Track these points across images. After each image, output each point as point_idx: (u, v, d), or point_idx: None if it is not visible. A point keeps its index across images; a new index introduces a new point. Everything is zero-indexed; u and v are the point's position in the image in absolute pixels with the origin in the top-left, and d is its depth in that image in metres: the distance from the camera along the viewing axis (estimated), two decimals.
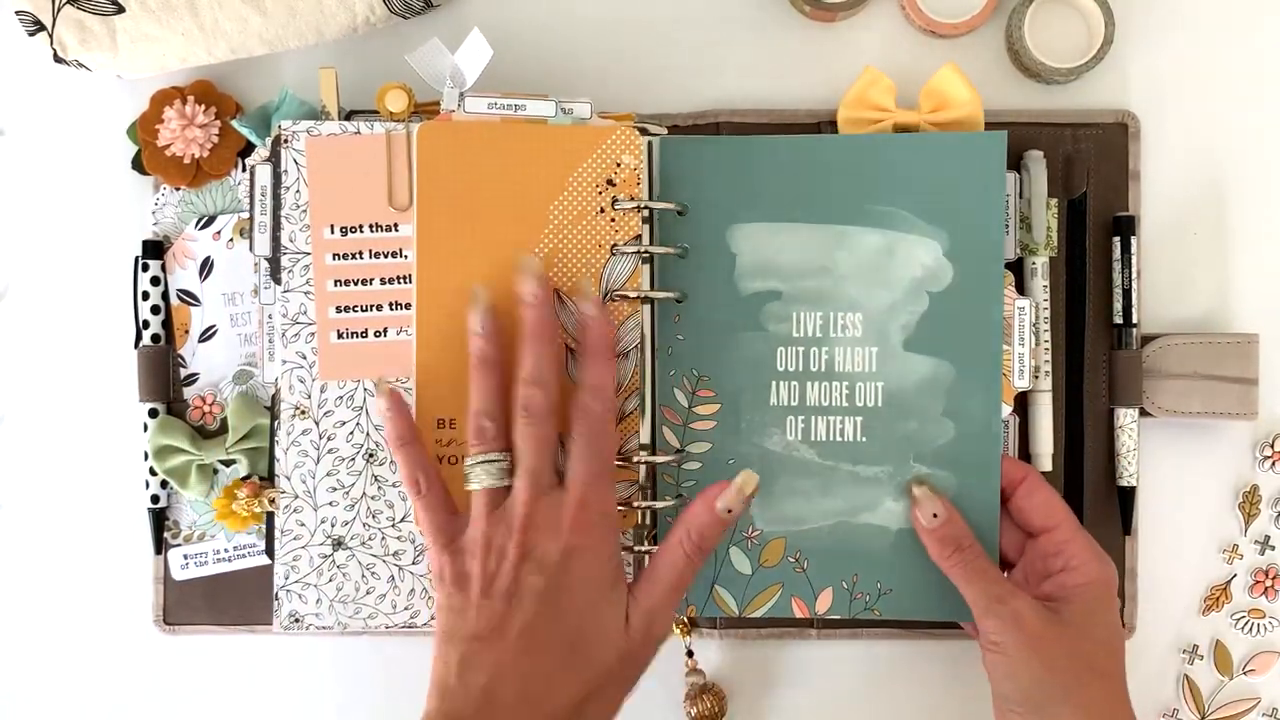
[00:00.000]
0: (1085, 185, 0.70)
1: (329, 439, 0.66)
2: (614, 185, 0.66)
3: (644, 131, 0.67)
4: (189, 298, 0.71)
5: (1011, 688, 0.61)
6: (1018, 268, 0.69)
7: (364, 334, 0.66)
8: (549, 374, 0.61)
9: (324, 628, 0.66)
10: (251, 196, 0.67)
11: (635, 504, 0.66)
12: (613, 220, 0.66)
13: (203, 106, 0.71)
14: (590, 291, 0.64)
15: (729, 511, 0.62)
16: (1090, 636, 0.61)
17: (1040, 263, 0.68)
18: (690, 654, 0.70)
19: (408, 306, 0.66)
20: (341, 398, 0.66)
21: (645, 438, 0.67)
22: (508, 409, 0.61)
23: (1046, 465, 0.69)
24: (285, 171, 0.66)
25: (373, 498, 0.66)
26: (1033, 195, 0.68)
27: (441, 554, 0.61)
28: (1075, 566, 0.62)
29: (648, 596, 0.61)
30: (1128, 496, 0.70)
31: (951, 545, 0.64)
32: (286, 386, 0.66)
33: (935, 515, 0.64)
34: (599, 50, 0.72)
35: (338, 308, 0.66)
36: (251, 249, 0.67)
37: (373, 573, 0.66)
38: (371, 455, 0.66)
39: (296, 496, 0.66)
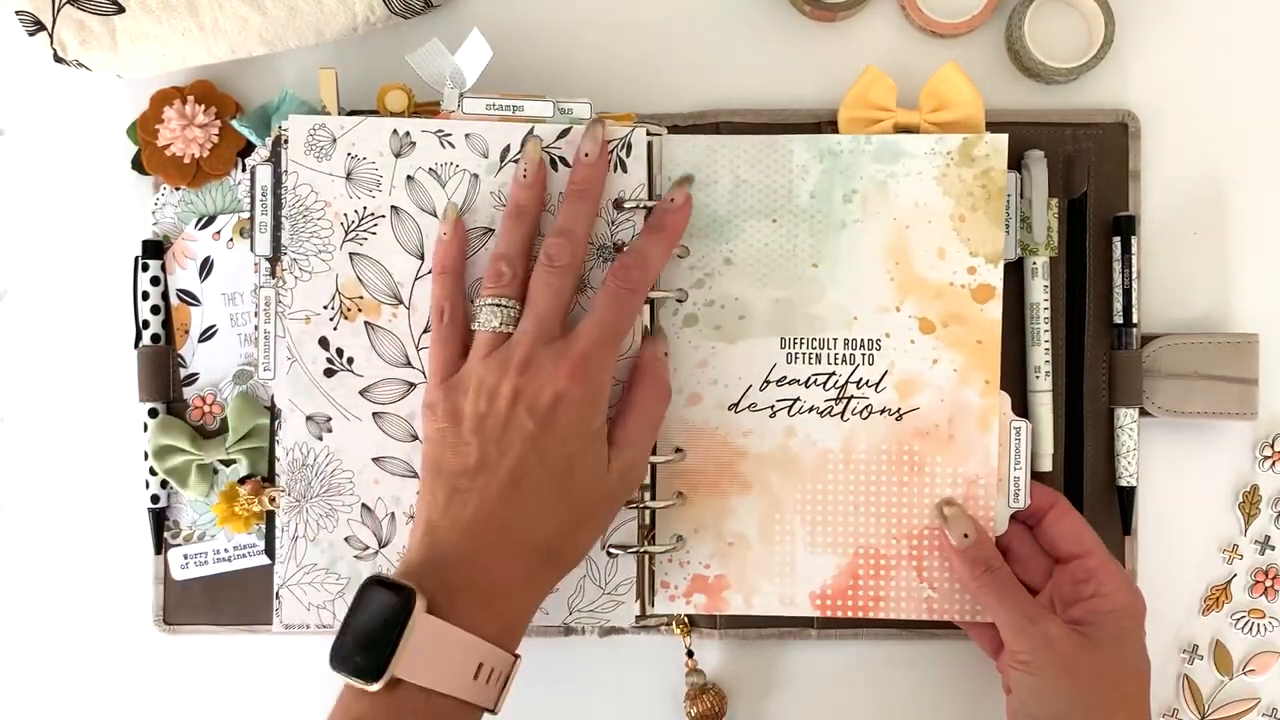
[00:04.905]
0: (1085, 185, 0.70)
1: None
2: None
3: (645, 131, 0.67)
4: (189, 298, 0.71)
5: (1038, 707, 0.62)
6: (1018, 268, 0.69)
7: None
8: (580, 231, 0.63)
9: (324, 627, 0.66)
10: (252, 197, 0.67)
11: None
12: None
13: (203, 106, 0.70)
14: (686, 186, 0.66)
15: (666, 354, 0.66)
16: (1118, 662, 0.62)
17: (1040, 263, 0.68)
18: (690, 654, 0.70)
19: None
20: None
21: None
22: (529, 263, 0.63)
23: (1046, 465, 0.69)
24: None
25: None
26: (1033, 195, 0.68)
27: (438, 388, 0.62)
28: (1106, 593, 0.63)
29: (626, 442, 0.62)
30: (1128, 496, 0.69)
31: (982, 565, 0.64)
32: None
33: (966, 535, 0.65)
34: (599, 50, 0.72)
35: None
36: (252, 249, 0.67)
37: None
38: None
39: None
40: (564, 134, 0.66)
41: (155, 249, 0.71)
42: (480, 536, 0.59)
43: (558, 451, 0.60)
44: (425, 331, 0.65)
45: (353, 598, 0.57)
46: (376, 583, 0.57)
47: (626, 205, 0.66)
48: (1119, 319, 0.69)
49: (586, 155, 0.64)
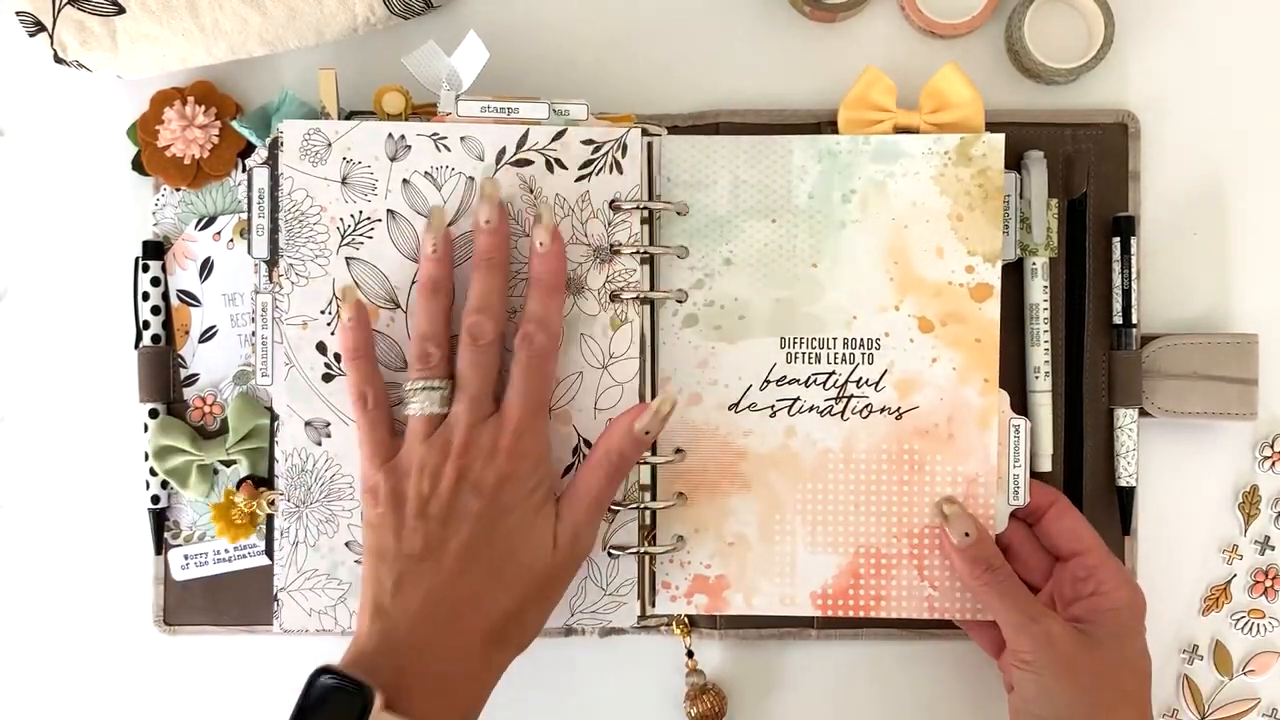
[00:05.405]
0: (1085, 185, 0.70)
1: None
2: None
3: (644, 132, 0.67)
4: (189, 298, 0.71)
5: (1040, 706, 0.62)
6: (1018, 268, 0.69)
7: None
8: (497, 303, 0.63)
9: (325, 632, 0.66)
10: (249, 200, 0.67)
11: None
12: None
13: (203, 107, 0.70)
14: (548, 220, 0.64)
15: (646, 433, 0.63)
16: (1119, 660, 0.63)
17: (1040, 263, 0.68)
18: (690, 654, 0.70)
19: None
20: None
21: None
22: (450, 337, 0.63)
23: (1046, 465, 0.69)
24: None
25: None
26: (1033, 195, 0.68)
27: (377, 472, 0.62)
28: (1106, 591, 0.63)
29: (572, 516, 0.62)
30: (1127, 497, 0.69)
31: (983, 565, 0.64)
32: None
33: (967, 534, 0.65)
34: (599, 51, 0.72)
35: None
36: (249, 252, 0.67)
37: None
38: None
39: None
40: (559, 135, 0.66)
41: (155, 249, 0.71)
42: (432, 623, 0.59)
43: (503, 528, 0.60)
44: None
45: (301, 689, 0.57)
46: (328, 675, 0.56)
47: (624, 206, 0.66)
48: (1119, 319, 0.69)
49: (487, 222, 0.63)
